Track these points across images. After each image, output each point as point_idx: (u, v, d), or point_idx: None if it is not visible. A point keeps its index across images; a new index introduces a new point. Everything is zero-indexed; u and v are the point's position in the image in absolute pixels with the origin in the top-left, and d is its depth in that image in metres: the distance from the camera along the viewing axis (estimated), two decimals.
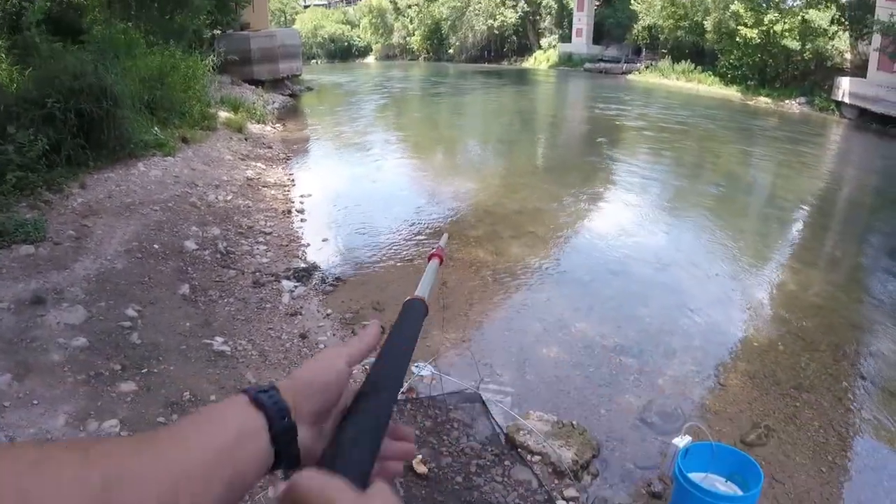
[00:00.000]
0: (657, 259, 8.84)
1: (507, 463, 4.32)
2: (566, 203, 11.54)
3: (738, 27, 30.88)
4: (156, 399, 4.75)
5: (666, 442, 4.58)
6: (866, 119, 24.13)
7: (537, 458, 4.43)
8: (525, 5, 53.09)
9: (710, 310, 7.32)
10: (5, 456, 0.46)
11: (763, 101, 29.97)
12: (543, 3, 52.35)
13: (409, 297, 0.90)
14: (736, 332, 6.85)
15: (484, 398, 5.08)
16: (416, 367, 5.44)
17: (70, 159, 9.09)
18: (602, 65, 43.16)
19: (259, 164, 13.15)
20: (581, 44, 46.71)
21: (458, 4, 54.68)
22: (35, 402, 4.55)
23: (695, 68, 35.98)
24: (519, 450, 4.47)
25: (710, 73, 34.77)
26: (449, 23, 56.31)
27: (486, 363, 5.85)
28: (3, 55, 10.91)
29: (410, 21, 62.67)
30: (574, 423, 4.87)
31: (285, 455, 0.63)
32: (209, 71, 17.09)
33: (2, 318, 5.49)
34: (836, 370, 6.08)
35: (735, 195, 13.30)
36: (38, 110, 8.86)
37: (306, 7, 75.94)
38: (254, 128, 17.22)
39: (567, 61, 47.27)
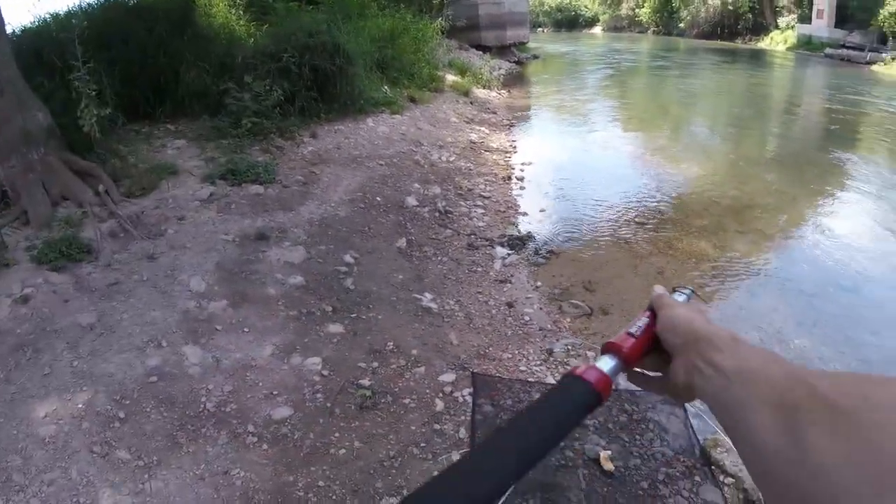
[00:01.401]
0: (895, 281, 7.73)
1: (697, 478, 3.99)
2: (799, 202, 10.39)
3: None
4: (360, 344, 4.82)
5: None
6: None
7: (731, 480, 4.04)
8: None
9: None
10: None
11: None
12: None
13: (571, 372, 0.71)
14: None
15: (687, 406, 4.67)
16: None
17: (303, 110, 9.46)
18: (844, 51, 39.50)
19: (483, 129, 13.08)
20: (822, 26, 42.92)
21: None
22: (246, 329, 4.76)
23: None
24: (713, 467, 4.11)
25: None
26: None
27: None
28: (242, 12, 11.44)
29: None
30: None
31: None
32: (438, 34, 17.23)
33: (226, 249, 5.70)
34: None
35: None
36: (275, 63, 9.25)
37: None
38: (479, 92, 17.25)
39: (806, 44, 43.63)
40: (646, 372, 0.81)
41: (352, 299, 5.41)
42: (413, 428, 3.98)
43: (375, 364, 4.58)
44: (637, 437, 4.24)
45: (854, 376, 0.48)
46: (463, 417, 4.15)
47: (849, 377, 0.49)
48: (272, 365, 4.43)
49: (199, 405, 4.01)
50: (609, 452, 3.97)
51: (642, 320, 0.79)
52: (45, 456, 3.59)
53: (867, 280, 7.60)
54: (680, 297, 0.86)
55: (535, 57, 30.74)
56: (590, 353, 5.31)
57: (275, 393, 4.18)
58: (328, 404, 4.11)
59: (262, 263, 5.67)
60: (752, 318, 6.42)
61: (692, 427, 4.46)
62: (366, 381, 4.36)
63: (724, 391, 0.59)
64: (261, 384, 4.25)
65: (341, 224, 6.69)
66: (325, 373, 4.42)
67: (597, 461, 3.86)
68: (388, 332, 5.02)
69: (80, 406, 3.93)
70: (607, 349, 0.78)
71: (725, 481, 4.03)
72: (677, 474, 3.99)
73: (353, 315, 5.18)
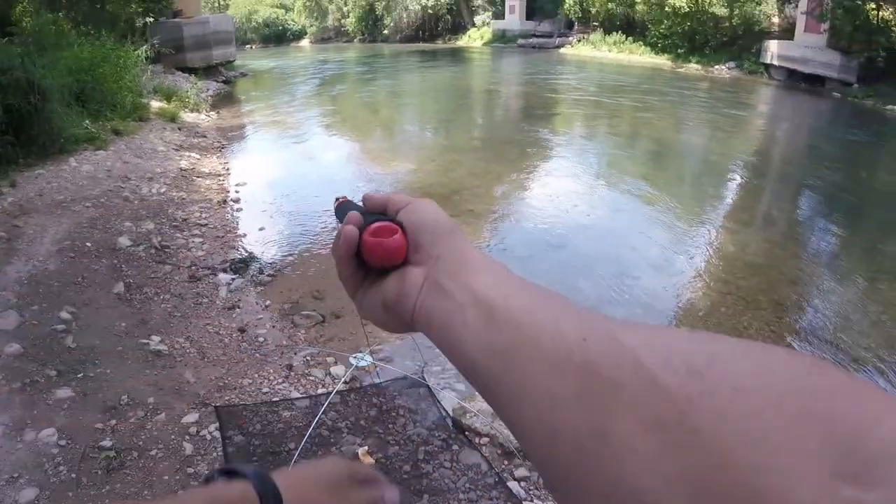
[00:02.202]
0: (596, 230, 9.06)
1: (455, 447, 4.30)
2: (504, 179, 11.66)
3: None
4: (93, 404, 4.67)
5: None
6: (795, 79, 25.31)
7: (485, 440, 4.41)
8: None
9: (650, 277, 7.52)
10: None
11: (693, 68, 30.69)
12: None
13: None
14: (677, 297, 7.07)
15: (429, 383, 5.04)
16: (355, 357, 5.47)
17: (0, 157, 8.90)
18: (535, 40, 43.28)
19: (193, 154, 12.91)
20: (514, 20, 46.81)
21: None
22: None
23: (626, 39, 36.45)
24: (467, 433, 4.45)
25: (642, 43, 35.26)
26: (383, 4, 55.82)
27: (429, 346, 5.86)
28: None
29: (345, 3, 61.91)
30: None
31: None
32: (142, 60, 16.76)
33: None
34: (779, 327, 6.34)
35: (669, 161, 13.65)
36: None
37: None
38: (188, 117, 16.89)
39: (500, 38, 47.36)
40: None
41: (76, 358, 5.21)
42: (166, 478, 3.95)
43: (113, 421, 4.45)
44: (390, 425, 4.45)
45: (675, 336, 0.37)
46: (215, 454, 4.15)
47: (664, 335, 0.37)
48: (6, 446, 4.17)
49: None
50: (366, 448, 4.16)
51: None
52: None
53: (572, 234, 8.95)
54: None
55: (244, 74, 30.45)
56: (329, 359, 5.57)
57: (15, 476, 3.94)
58: (73, 475, 3.95)
59: None
60: None
61: (439, 402, 4.74)
62: (107, 442, 4.22)
63: (485, 335, 0.43)
64: None
65: (52, 278, 6.41)
66: (63, 442, 4.22)
67: (356, 458, 3.99)
68: (120, 385, 4.89)
69: None
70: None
71: (481, 442, 4.37)
72: (436, 450, 4.24)
73: (79, 375, 4.99)
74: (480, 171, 12.05)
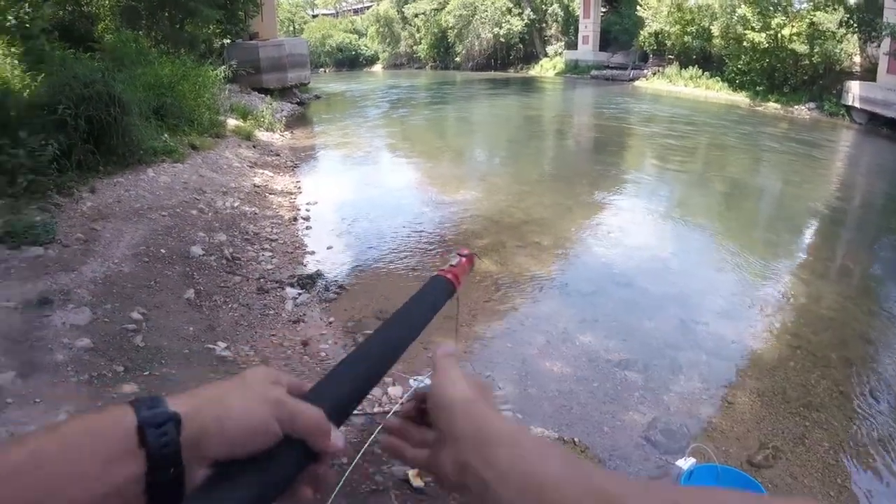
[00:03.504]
0: (664, 270, 8.74)
1: None
2: (573, 212, 11.47)
3: (746, 32, 30.49)
4: None
5: (670, 462, 4.50)
6: (877, 123, 23.62)
7: None
8: (531, 13, 53.23)
9: (718, 323, 7.16)
10: None
11: (772, 107, 29.65)
12: (549, 11, 52.54)
13: (437, 273, 0.91)
14: (744, 347, 6.69)
15: None
16: (415, 380, 5.40)
17: (80, 164, 9.19)
18: (608, 72, 43.05)
19: (266, 172, 13.19)
20: (587, 51, 46.73)
21: (465, 13, 54.85)
22: (37, 399, 4.58)
23: (702, 74, 35.56)
24: None
25: (718, 78, 34.33)
26: (455, 31, 56.42)
27: (487, 376, 5.79)
28: (17, 61, 10.99)
29: (417, 30, 62.92)
30: (576, 439, 4.82)
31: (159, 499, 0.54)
32: (220, 80, 17.19)
33: (8, 317, 5.53)
34: (848, 388, 5.92)
35: (744, 203, 13.23)
36: (50, 116, 8.96)
37: (314, 16, 76.49)
38: (262, 135, 17.31)
39: (573, 69, 47.26)
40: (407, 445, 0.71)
41: (143, 357, 5.33)
42: None
43: None
44: None
45: (664, 489, 0.44)
46: None
47: (658, 491, 0.44)
48: None
49: None
50: (417, 469, 4.11)
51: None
52: None
53: (640, 273, 8.60)
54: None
55: (317, 97, 31.14)
56: (387, 380, 5.54)
57: None
58: None
59: (47, 329, 5.45)
60: (537, 325, 6.97)
61: None
62: None
63: (500, 499, 0.52)
64: None
65: (126, 280, 6.57)
66: None
67: (406, 480, 3.94)
68: (184, 386, 4.77)
69: None
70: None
71: None
72: None
73: (145, 373, 5.11)
74: (549, 202, 11.92)
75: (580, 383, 5.83)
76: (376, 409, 5.02)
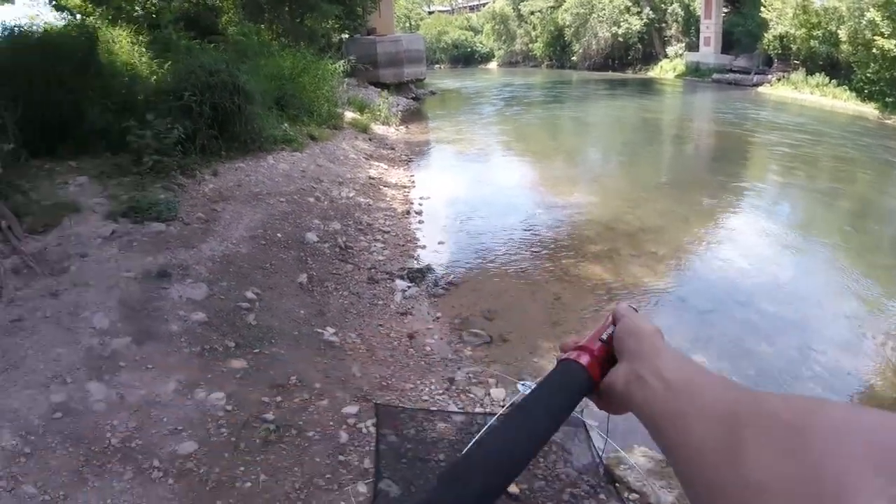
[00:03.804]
0: (784, 292, 8.17)
1: (601, 496, 4.06)
2: (690, 223, 11.00)
3: (875, 37, 27.69)
4: (263, 379, 4.90)
5: None
6: None
7: (635, 496, 4.16)
8: (650, 12, 51.50)
9: (838, 354, 6.60)
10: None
11: None
12: (669, 10, 50.74)
13: (566, 356, 0.74)
14: (863, 381, 6.20)
15: (588, 425, 4.77)
16: (522, 384, 5.32)
17: (204, 148, 9.54)
18: (731, 76, 41.11)
19: (381, 164, 13.39)
20: (709, 53, 44.79)
21: (582, 11, 53.64)
22: (150, 366, 4.80)
23: (829, 82, 32.55)
24: (617, 485, 4.22)
25: (846, 87, 31.34)
26: (572, 30, 55.23)
27: None
28: (145, 49, 11.51)
29: (533, 28, 62.18)
30: None
31: None
32: (339, 74, 17.55)
33: (128, 286, 5.76)
34: None
35: (869, 224, 12.29)
36: (176, 101, 9.32)
37: (430, 13, 76.86)
38: (378, 129, 17.60)
39: (694, 71, 45.42)
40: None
41: (254, 335, 5.49)
42: (318, 460, 4.04)
43: (279, 398, 4.65)
44: (541, 459, 4.24)
45: (801, 399, 0.48)
46: (367, 448, 4.21)
47: (796, 399, 0.48)
48: (176, 401, 4.46)
49: (104, 441, 4.02)
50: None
51: (609, 329, 0.76)
52: None
53: (758, 293, 8.07)
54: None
55: (433, 93, 31.34)
56: (491, 380, 5.51)
57: (179, 428, 4.20)
58: (233, 438, 4.16)
59: (164, 300, 5.70)
60: None
61: (595, 447, 4.49)
62: (270, 416, 4.41)
63: (666, 403, 0.60)
64: (165, 420, 4.27)
65: (242, 261, 6.79)
66: (229, 408, 4.46)
67: None
68: (291, 367, 5.10)
69: None
70: (580, 349, 0.75)
71: (630, 497, 4.12)
72: (582, 494, 4.03)
73: (255, 350, 5.26)
74: (666, 211, 11.44)
75: None
76: (477, 409, 4.99)
